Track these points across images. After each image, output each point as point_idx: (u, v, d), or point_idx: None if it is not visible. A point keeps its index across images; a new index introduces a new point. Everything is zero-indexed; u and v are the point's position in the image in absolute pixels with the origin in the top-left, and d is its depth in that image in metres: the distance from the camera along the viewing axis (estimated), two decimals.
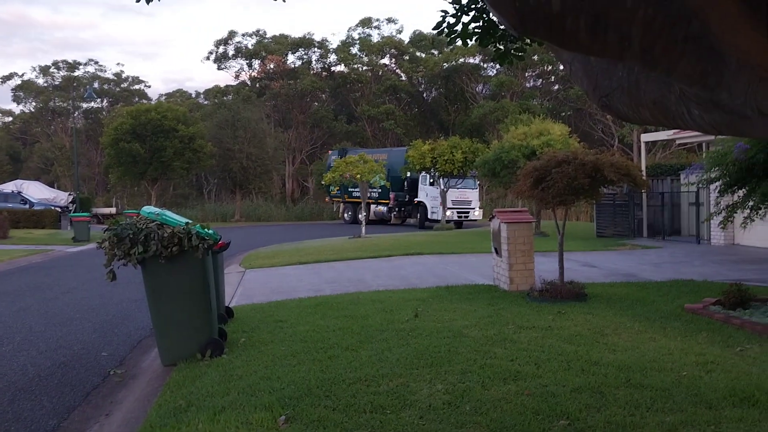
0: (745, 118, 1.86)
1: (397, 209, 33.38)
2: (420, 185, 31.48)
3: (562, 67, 51.18)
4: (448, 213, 29.67)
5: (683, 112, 2.04)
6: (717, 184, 9.10)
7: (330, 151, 40.98)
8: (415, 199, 32.11)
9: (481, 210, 32.15)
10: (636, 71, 2.18)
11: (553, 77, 51.34)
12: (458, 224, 30.52)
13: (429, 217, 30.88)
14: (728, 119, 1.93)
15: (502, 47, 5.11)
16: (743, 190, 8.68)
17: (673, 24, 1.73)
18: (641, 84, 2.18)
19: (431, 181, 30.18)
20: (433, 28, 4.99)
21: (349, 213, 36.04)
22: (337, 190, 34.82)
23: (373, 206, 34.26)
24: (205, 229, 6.59)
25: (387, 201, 33.38)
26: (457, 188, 29.69)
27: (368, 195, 31.26)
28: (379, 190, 31.97)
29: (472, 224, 31.18)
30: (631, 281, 10.71)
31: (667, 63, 1.81)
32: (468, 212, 31.03)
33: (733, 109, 1.85)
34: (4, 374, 6.52)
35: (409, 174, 31.19)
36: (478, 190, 32.08)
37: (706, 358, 5.75)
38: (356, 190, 32.57)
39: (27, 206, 34.60)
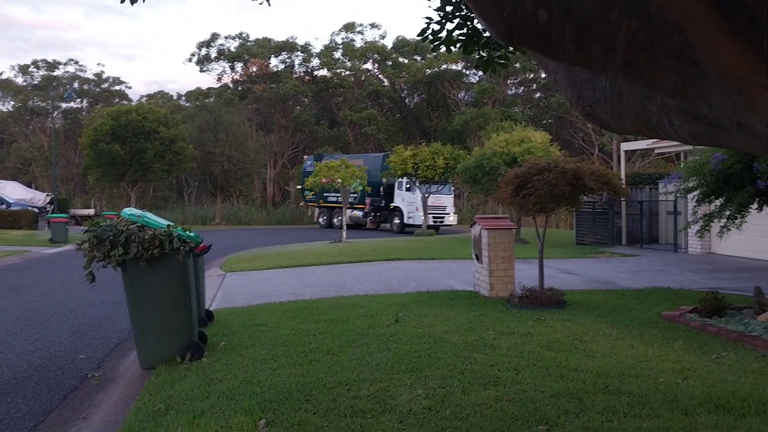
0: (725, 129, 1.91)
1: (373, 214, 34.01)
2: (396, 190, 32.21)
3: (544, 75, 51.65)
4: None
5: (664, 123, 2.09)
6: (694, 193, 9.23)
7: (306, 156, 41.70)
8: (391, 204, 32.78)
9: (456, 215, 32.90)
10: (619, 82, 2.23)
11: (534, 85, 51.79)
12: (434, 229, 31.13)
13: (405, 221, 31.65)
14: (708, 130, 1.98)
15: (485, 55, 5.15)
16: (720, 199, 8.81)
17: (656, 38, 1.77)
18: (624, 95, 2.23)
19: (407, 186, 30.97)
20: (418, 35, 5.02)
21: (324, 217, 36.64)
22: (312, 194, 35.89)
23: (349, 211, 34.62)
24: (187, 232, 6.56)
25: (363, 206, 34.02)
26: (433, 194, 30.25)
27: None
28: (356, 195, 32.29)
29: (448, 229, 31.88)
30: (610, 288, 10.81)
31: (649, 75, 1.85)
32: (443, 217, 31.80)
33: (713, 121, 1.90)
34: None
35: (385, 179, 31.65)
36: (452, 195, 32.87)
37: (682, 365, 5.83)
38: (331, 194, 33.94)
39: (4, 206, 34.15)
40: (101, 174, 39.77)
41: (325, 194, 34.74)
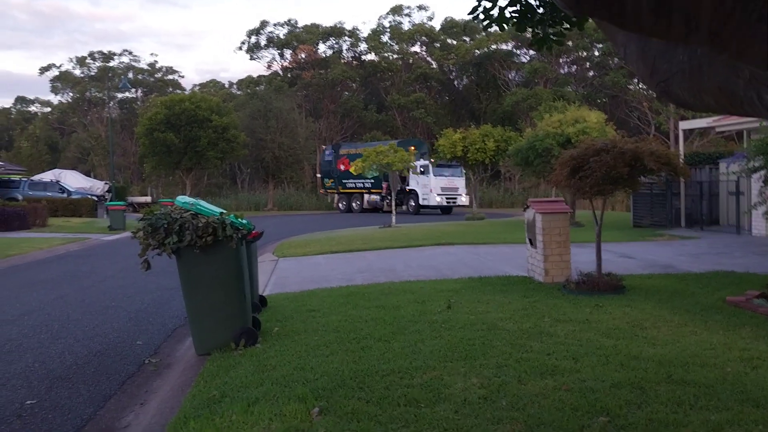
0: None
1: (389, 197, 35.57)
2: (411, 174, 34.18)
3: (597, 54, 50.05)
4: (438, 199, 33.60)
5: (752, 98, 1.90)
6: (761, 173, 8.82)
7: (324, 147, 44.59)
8: (407, 188, 35.01)
9: (468, 196, 34.98)
10: (699, 54, 2.04)
11: (588, 63, 50.54)
12: (447, 209, 34.18)
13: (420, 203, 34.63)
14: None
15: (540, 32, 4.94)
16: None
17: (745, 3, 1.60)
18: (704, 67, 2.04)
19: (421, 170, 33.78)
20: (469, 13, 4.85)
21: (344, 203, 39.29)
22: (331, 182, 39.38)
23: (366, 195, 37.73)
24: (239, 219, 6.58)
25: (380, 190, 36.28)
26: (446, 176, 33.48)
27: (363, 185, 36.73)
28: (372, 181, 35.05)
29: (460, 209, 34.63)
30: (670, 273, 10.46)
31: (737, 45, 1.68)
32: (456, 198, 34.32)
33: None
34: (42, 362, 6.61)
35: None
36: (464, 178, 34.99)
37: (751, 354, 5.56)
38: (350, 181, 37.46)
39: (65, 195, 35.26)
40: (157, 162, 40.71)
41: (344, 181, 37.85)
